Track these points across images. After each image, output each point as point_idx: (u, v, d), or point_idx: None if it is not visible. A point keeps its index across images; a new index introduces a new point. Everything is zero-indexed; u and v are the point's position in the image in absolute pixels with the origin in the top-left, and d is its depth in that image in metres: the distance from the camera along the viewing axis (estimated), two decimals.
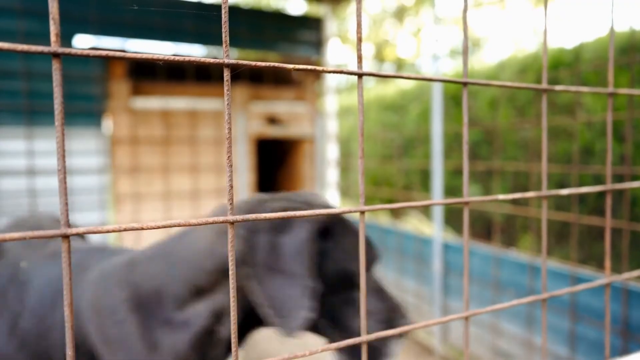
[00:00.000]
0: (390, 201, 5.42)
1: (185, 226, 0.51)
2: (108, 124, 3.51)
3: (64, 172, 0.46)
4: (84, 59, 3.37)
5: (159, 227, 0.51)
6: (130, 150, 3.55)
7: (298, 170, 4.58)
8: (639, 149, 2.77)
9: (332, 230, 1.25)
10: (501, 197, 0.72)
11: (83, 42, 3.42)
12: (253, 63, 0.56)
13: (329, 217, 1.24)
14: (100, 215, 3.38)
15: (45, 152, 3.24)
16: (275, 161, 5.29)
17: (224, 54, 0.54)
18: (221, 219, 0.53)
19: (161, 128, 3.66)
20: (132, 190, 3.55)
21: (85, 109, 3.38)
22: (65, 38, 3.28)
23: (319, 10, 4.42)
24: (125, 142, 3.53)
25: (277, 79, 4.59)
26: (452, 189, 4.64)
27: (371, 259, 1.31)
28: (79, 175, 3.35)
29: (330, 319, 1.25)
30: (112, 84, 3.49)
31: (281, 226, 1.18)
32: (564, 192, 0.85)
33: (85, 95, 3.39)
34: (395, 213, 5.25)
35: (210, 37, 3.82)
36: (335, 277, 1.23)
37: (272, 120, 4.13)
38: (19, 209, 3.15)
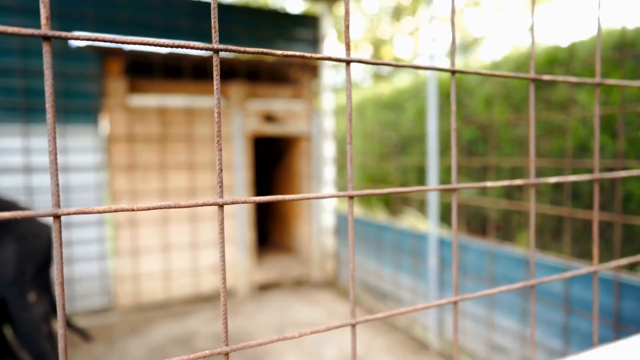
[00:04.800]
0: (387, 199, 5.43)
1: (177, 208, 0.52)
2: (105, 121, 3.50)
3: (54, 153, 0.46)
4: (81, 57, 3.37)
5: (149, 209, 0.51)
6: (127, 147, 3.55)
7: (295, 167, 4.58)
8: (632, 144, 2.79)
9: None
10: (489, 183, 0.74)
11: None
12: (241, 49, 0.57)
13: None
14: None
15: (41, 149, 3.24)
16: (272, 159, 5.29)
17: (213, 40, 0.55)
18: (211, 201, 0.54)
19: (158, 126, 3.66)
20: (129, 187, 3.55)
21: (82, 107, 3.38)
22: None
23: (316, 8, 4.43)
24: (122, 139, 3.53)
25: (274, 77, 4.59)
26: None
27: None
28: (76, 173, 3.35)
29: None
30: (108, 81, 3.49)
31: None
32: (552, 180, 0.86)
33: (82, 92, 3.39)
34: (392, 210, 5.27)
35: (207, 35, 3.82)
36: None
37: (269, 118, 4.13)
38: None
